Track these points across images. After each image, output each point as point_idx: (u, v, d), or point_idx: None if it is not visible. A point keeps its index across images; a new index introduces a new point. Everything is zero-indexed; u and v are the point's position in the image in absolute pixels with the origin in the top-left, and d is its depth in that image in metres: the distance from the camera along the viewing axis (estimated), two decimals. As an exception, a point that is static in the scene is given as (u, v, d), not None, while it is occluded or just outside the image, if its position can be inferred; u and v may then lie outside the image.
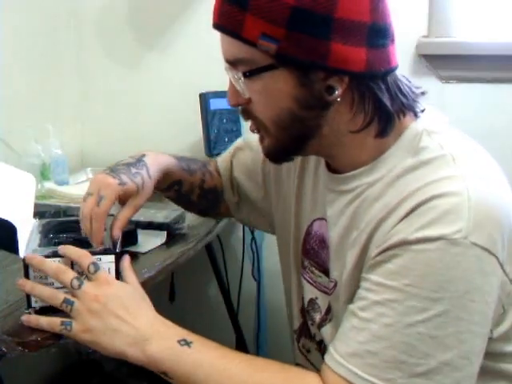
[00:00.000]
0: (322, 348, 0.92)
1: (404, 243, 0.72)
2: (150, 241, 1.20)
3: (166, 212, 1.32)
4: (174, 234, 1.22)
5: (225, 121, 1.56)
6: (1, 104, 1.52)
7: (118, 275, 0.91)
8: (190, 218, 1.32)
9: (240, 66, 0.78)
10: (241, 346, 1.73)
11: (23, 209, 1.04)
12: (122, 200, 0.94)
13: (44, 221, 1.05)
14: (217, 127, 1.55)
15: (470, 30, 1.51)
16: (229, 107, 1.53)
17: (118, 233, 0.93)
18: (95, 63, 1.82)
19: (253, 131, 0.85)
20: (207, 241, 1.33)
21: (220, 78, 1.64)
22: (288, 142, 0.81)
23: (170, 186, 1.07)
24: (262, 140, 0.85)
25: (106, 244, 0.91)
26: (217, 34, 1.81)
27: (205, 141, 1.57)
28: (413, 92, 0.82)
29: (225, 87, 1.57)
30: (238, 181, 1.12)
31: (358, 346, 0.73)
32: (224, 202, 1.15)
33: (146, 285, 1.04)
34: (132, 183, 0.94)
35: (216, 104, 1.55)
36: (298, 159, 0.97)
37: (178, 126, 1.77)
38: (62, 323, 0.81)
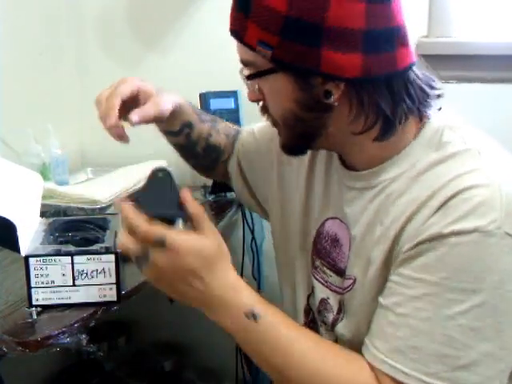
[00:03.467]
0: None
1: (439, 237, 0.73)
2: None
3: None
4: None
5: (225, 121, 1.56)
6: (1, 104, 1.51)
7: (118, 275, 0.91)
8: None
9: (249, 67, 0.82)
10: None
11: (29, 207, 1.05)
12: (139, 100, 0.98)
13: (49, 219, 1.05)
14: (217, 127, 1.55)
15: (469, 30, 1.51)
16: (229, 107, 1.56)
17: (134, 118, 0.97)
18: (95, 63, 1.82)
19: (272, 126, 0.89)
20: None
21: (220, 78, 1.65)
22: (295, 139, 0.85)
23: (182, 129, 1.09)
24: (278, 133, 0.88)
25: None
26: (216, 35, 1.82)
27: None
28: (426, 94, 0.82)
29: (225, 87, 1.59)
30: (244, 160, 1.13)
31: (399, 342, 0.74)
32: (223, 164, 1.16)
33: (146, 285, 1.05)
34: (151, 85, 1.00)
35: (216, 104, 1.55)
36: (306, 161, 0.99)
37: (178, 126, 1.77)
38: (138, 260, 0.76)
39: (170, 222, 0.75)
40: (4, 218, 0.92)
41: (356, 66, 0.75)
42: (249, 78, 0.82)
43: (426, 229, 0.75)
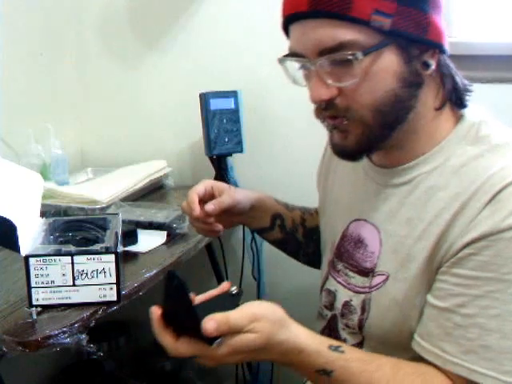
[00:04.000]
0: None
1: (494, 233, 0.73)
2: (150, 241, 1.20)
3: (166, 212, 1.32)
4: (174, 234, 1.22)
5: (225, 121, 1.56)
6: (1, 104, 1.51)
7: (118, 275, 0.91)
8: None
9: (340, 52, 0.75)
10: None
11: (29, 207, 1.05)
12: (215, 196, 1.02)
13: (50, 219, 1.05)
14: (217, 127, 1.55)
15: (469, 30, 1.51)
16: (229, 107, 1.56)
17: (211, 208, 0.99)
18: (95, 63, 1.82)
19: (334, 129, 0.82)
20: (207, 241, 1.33)
21: (220, 78, 1.66)
22: (378, 129, 0.80)
23: (273, 222, 1.09)
24: (344, 136, 0.82)
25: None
26: (217, 35, 1.81)
27: (205, 141, 1.57)
28: (464, 83, 0.86)
29: (225, 87, 1.59)
30: None
31: (471, 343, 0.73)
32: None
33: (146, 285, 1.05)
34: (223, 183, 1.05)
35: (216, 104, 1.55)
36: (330, 172, 1.02)
37: (178, 125, 1.77)
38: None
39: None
40: (4, 218, 0.92)
41: (443, 33, 0.79)
42: (365, 53, 0.74)
43: (477, 225, 0.74)
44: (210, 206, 0.98)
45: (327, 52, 0.75)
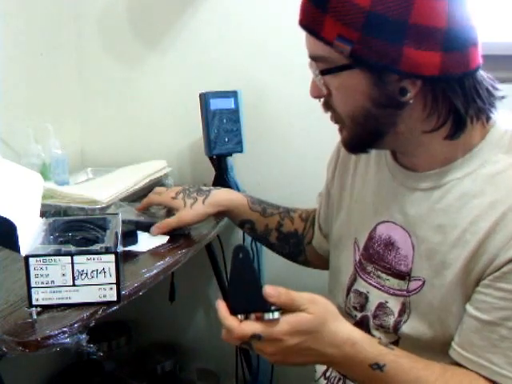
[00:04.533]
0: None
1: None
2: (150, 241, 1.20)
3: (165, 211, 1.31)
4: (174, 234, 1.22)
5: (225, 121, 1.56)
6: (1, 104, 1.51)
7: (118, 275, 0.91)
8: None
9: (319, 63, 0.83)
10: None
11: (29, 207, 1.05)
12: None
13: (50, 219, 1.05)
14: (217, 127, 1.55)
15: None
16: (229, 107, 1.56)
17: (156, 231, 1.18)
18: (95, 63, 1.82)
19: (331, 120, 0.89)
20: (207, 241, 1.33)
21: (220, 78, 1.66)
22: (363, 135, 0.85)
23: (241, 224, 1.20)
24: (340, 130, 0.88)
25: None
26: (217, 35, 1.81)
27: (205, 141, 1.56)
28: (492, 95, 0.83)
29: (225, 87, 1.59)
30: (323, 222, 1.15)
31: None
32: (310, 248, 1.18)
33: (146, 285, 1.04)
34: (181, 201, 1.17)
35: (216, 104, 1.55)
36: (349, 168, 1.02)
37: (178, 125, 1.77)
38: (253, 339, 0.75)
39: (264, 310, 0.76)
40: (4, 218, 0.92)
41: (435, 64, 0.76)
42: (322, 73, 0.82)
43: None
44: (153, 231, 1.18)
45: (312, 59, 0.84)
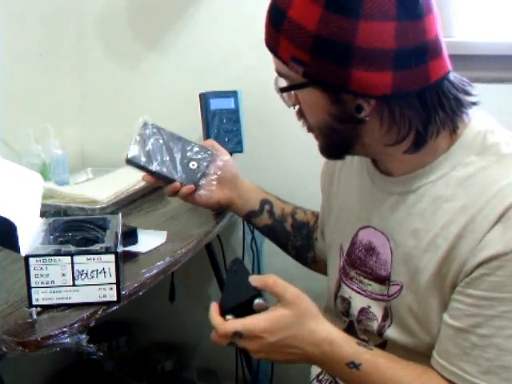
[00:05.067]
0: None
1: (508, 252, 0.73)
2: (150, 241, 1.20)
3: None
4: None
5: (225, 121, 1.56)
6: (1, 104, 1.51)
7: (118, 275, 0.91)
8: (189, 217, 1.32)
9: (283, 79, 0.86)
10: (241, 345, 1.73)
11: (29, 207, 1.05)
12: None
13: (50, 219, 1.05)
14: (217, 127, 1.55)
15: (469, 30, 1.51)
16: (229, 107, 1.56)
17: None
18: (95, 63, 1.82)
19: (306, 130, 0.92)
20: (207, 241, 1.33)
21: (220, 78, 1.65)
22: (331, 145, 0.87)
23: (262, 206, 1.17)
24: (316, 138, 0.90)
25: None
26: (217, 35, 1.81)
27: (205, 141, 1.56)
28: (461, 104, 0.81)
29: (225, 87, 1.59)
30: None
31: (489, 364, 0.74)
32: (315, 246, 1.17)
33: (146, 285, 1.05)
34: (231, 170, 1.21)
35: (216, 104, 1.55)
36: (335, 177, 1.03)
37: (178, 125, 1.75)
38: (235, 336, 0.80)
39: (249, 306, 0.82)
40: (4, 218, 0.92)
41: (386, 84, 0.75)
42: (282, 90, 0.86)
43: (488, 244, 0.74)
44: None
45: (278, 75, 0.87)
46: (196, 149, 1.17)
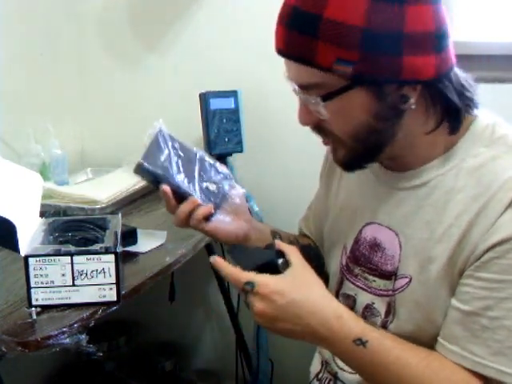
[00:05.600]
0: None
1: None
2: (150, 241, 1.20)
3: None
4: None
5: (225, 121, 1.56)
6: (1, 104, 1.51)
7: (118, 275, 0.91)
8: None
9: (314, 90, 0.80)
10: (241, 346, 1.73)
11: (29, 207, 1.05)
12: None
13: (49, 219, 1.05)
14: (217, 127, 1.55)
15: (470, 30, 1.51)
16: (229, 107, 1.56)
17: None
18: (95, 63, 1.82)
19: (325, 144, 0.88)
20: (207, 241, 1.33)
21: (220, 78, 1.65)
22: (364, 151, 0.84)
23: (273, 238, 1.09)
24: (334, 152, 0.87)
25: None
26: (216, 35, 1.81)
27: (205, 141, 1.57)
28: (471, 85, 0.84)
29: (225, 87, 1.59)
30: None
31: (499, 345, 0.75)
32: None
33: (146, 285, 1.05)
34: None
35: (216, 104, 1.55)
36: (335, 178, 1.02)
37: (177, 125, 1.75)
38: (246, 286, 0.79)
39: (272, 268, 0.81)
40: (4, 218, 0.92)
41: (431, 67, 0.76)
42: (324, 99, 0.79)
43: (499, 228, 0.75)
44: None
45: (303, 88, 0.81)
46: (216, 169, 1.00)
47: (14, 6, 1.57)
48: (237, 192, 0.99)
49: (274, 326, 0.79)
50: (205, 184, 0.96)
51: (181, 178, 0.93)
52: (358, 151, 0.84)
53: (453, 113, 0.82)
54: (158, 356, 1.82)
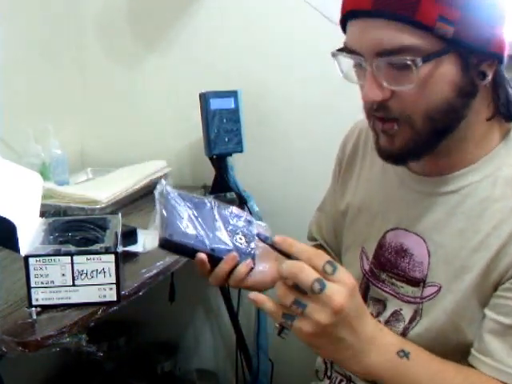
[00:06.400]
0: None
1: None
2: (150, 241, 1.20)
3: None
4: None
5: (225, 121, 1.56)
6: (1, 104, 1.51)
7: (118, 275, 0.90)
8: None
9: (399, 55, 0.73)
10: (241, 345, 1.73)
11: (29, 207, 1.05)
12: None
13: (49, 219, 1.05)
14: (217, 127, 1.55)
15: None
16: (229, 107, 1.56)
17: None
18: (95, 63, 1.82)
19: (381, 132, 0.80)
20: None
21: (220, 77, 1.66)
22: (428, 136, 0.78)
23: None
24: (391, 138, 0.80)
25: None
26: (217, 35, 1.81)
27: (205, 141, 1.57)
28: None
29: (224, 87, 1.59)
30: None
31: None
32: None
33: (146, 285, 1.05)
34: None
35: (216, 104, 1.55)
36: (353, 179, 0.99)
37: (178, 125, 1.77)
38: (284, 316, 0.68)
39: None
40: (4, 218, 0.92)
41: (506, 44, 0.76)
42: (417, 63, 0.72)
43: None
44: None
45: (386, 54, 0.73)
46: (236, 215, 0.91)
47: (14, 5, 1.57)
48: (263, 230, 0.91)
49: (322, 346, 0.70)
50: (234, 237, 0.88)
51: (209, 240, 0.85)
52: (423, 135, 0.78)
53: (508, 104, 0.80)
54: (158, 356, 1.82)
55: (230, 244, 0.86)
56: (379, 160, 0.88)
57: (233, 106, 1.57)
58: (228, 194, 1.58)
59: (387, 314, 0.91)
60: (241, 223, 0.90)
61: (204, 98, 1.54)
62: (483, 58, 0.75)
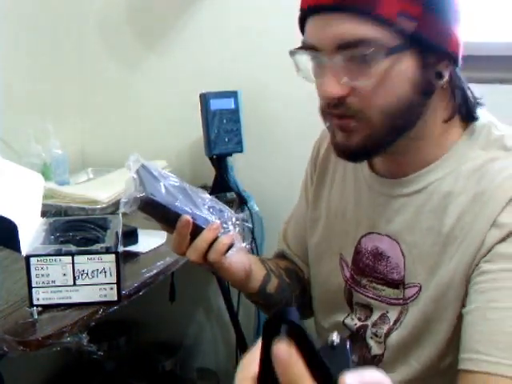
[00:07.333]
0: (375, 361, 0.89)
1: None
2: (150, 241, 1.20)
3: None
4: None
5: (225, 121, 1.56)
6: (1, 104, 1.52)
7: (119, 274, 0.91)
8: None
9: (360, 48, 0.72)
10: (241, 345, 1.73)
11: (30, 207, 1.05)
12: None
13: (50, 219, 1.06)
14: (217, 127, 1.55)
15: (470, 30, 1.51)
16: (229, 107, 1.56)
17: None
18: (96, 63, 1.82)
19: (337, 128, 0.79)
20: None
21: (220, 78, 1.66)
22: (386, 133, 0.78)
23: (265, 267, 1.00)
24: (348, 135, 0.78)
25: None
26: (217, 34, 1.81)
27: (205, 141, 1.57)
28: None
29: (225, 87, 1.59)
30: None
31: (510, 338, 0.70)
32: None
33: (146, 285, 1.05)
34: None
35: (216, 104, 1.55)
36: (326, 187, 0.98)
37: (178, 126, 1.77)
38: None
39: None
40: (5, 218, 0.92)
41: (460, 47, 0.77)
42: (376, 56, 0.72)
43: (501, 225, 0.74)
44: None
45: (346, 47, 0.73)
46: (212, 200, 0.90)
47: (14, 5, 1.57)
48: (235, 216, 0.88)
49: None
50: (212, 215, 0.83)
51: (189, 209, 0.80)
52: (381, 132, 0.77)
53: (468, 101, 0.81)
54: (158, 356, 1.82)
55: (211, 216, 0.81)
56: (351, 168, 0.90)
57: (233, 106, 1.57)
58: (228, 194, 1.58)
59: (375, 317, 0.91)
60: (217, 206, 0.87)
61: (204, 99, 1.55)
62: (441, 57, 0.76)
